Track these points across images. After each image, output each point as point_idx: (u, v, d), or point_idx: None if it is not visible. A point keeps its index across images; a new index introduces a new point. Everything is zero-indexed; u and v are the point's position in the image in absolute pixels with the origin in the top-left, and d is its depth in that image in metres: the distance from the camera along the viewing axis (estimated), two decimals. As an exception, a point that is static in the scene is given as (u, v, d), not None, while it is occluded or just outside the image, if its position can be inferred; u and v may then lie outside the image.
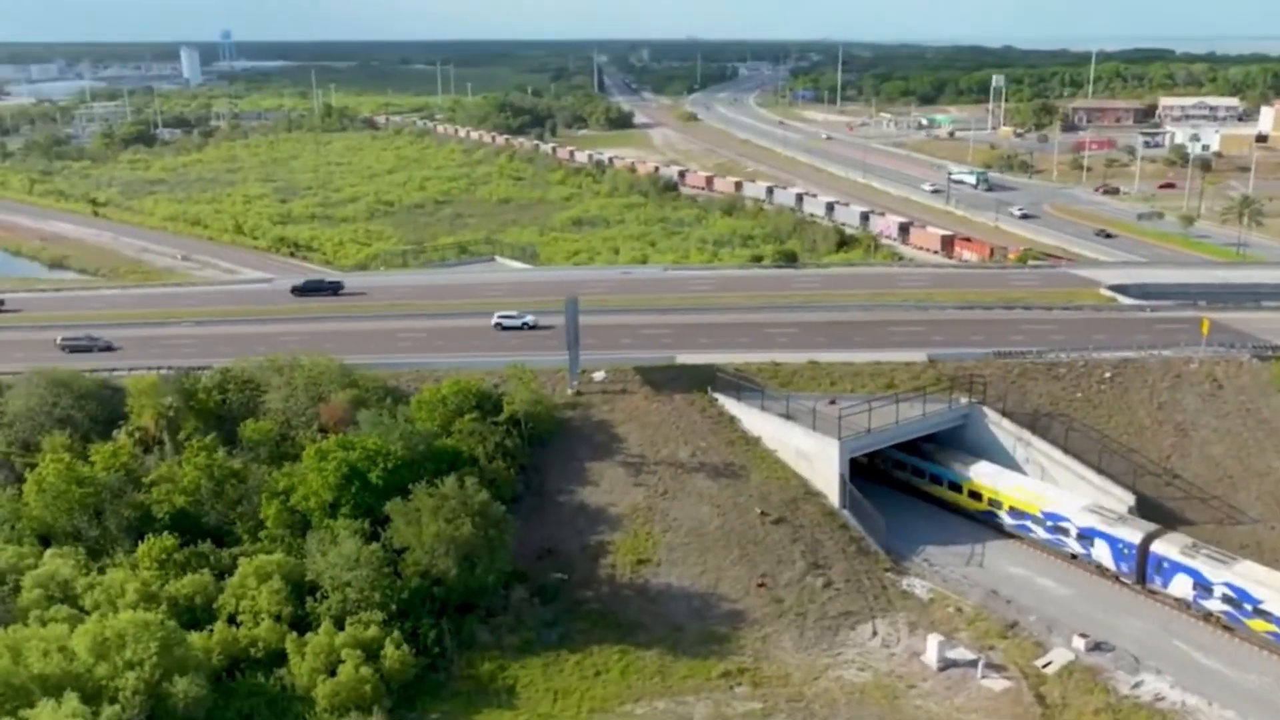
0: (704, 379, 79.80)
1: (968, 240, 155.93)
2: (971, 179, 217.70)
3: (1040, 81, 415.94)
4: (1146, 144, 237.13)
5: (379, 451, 66.58)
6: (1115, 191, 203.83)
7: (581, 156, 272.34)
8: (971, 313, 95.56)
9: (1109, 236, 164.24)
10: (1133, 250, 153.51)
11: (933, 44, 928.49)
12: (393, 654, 56.58)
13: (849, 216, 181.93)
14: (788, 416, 74.27)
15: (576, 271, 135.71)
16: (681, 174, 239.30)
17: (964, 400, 77.29)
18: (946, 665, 58.62)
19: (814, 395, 77.34)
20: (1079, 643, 59.04)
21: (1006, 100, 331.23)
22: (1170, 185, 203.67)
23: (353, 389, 76.71)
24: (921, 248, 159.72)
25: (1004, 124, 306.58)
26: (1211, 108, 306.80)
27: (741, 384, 78.51)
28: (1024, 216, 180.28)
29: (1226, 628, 60.21)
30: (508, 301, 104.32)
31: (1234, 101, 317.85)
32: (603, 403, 79.04)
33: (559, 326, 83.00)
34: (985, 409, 76.75)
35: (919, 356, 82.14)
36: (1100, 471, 71.63)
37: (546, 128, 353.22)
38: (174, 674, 51.98)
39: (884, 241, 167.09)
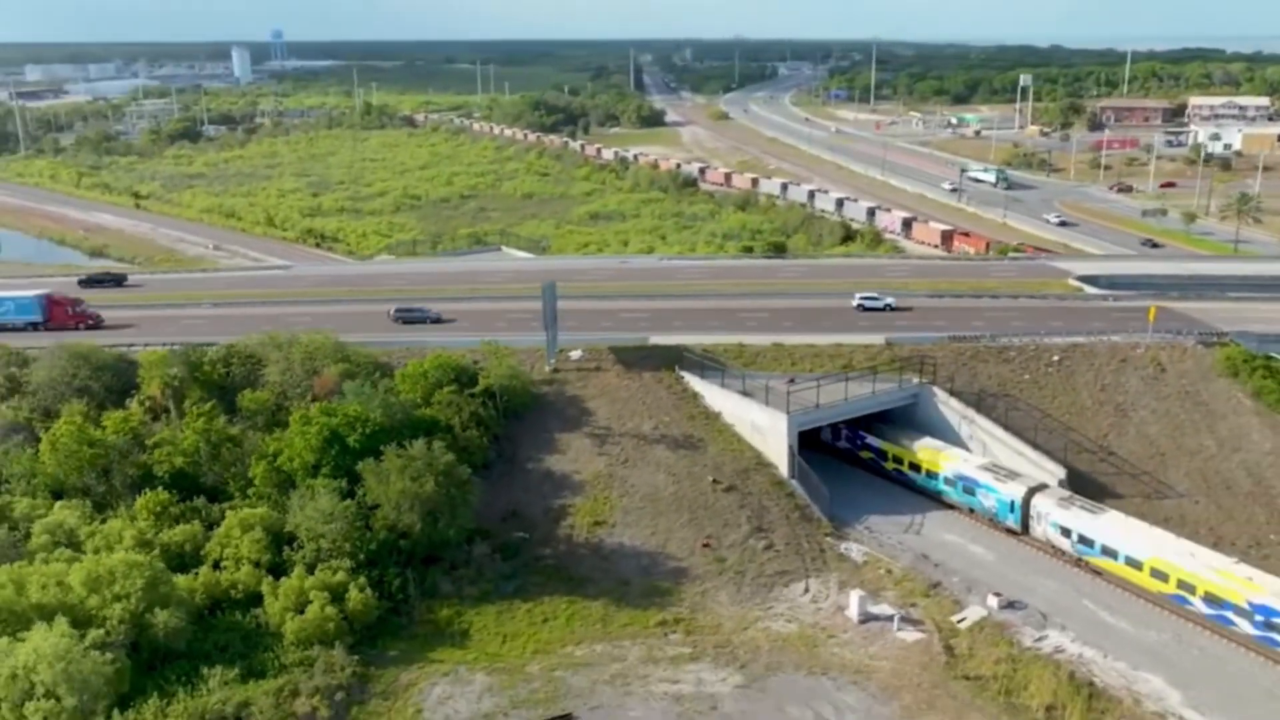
0: (673, 358, 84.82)
1: (966, 235, 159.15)
2: (990, 177, 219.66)
3: (1075, 81, 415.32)
4: (1169, 143, 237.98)
5: (358, 418, 72.24)
6: (1129, 189, 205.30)
7: (608, 154, 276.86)
8: (940, 300, 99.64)
9: (1155, 246, 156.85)
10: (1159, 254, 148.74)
11: (979, 44, 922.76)
12: (356, 596, 62.18)
13: (856, 212, 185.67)
14: (745, 393, 79.05)
15: (576, 261, 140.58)
16: (702, 170, 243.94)
17: (915, 380, 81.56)
18: (867, 619, 63.14)
19: (773, 374, 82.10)
20: (993, 601, 63.38)
21: (1040, 99, 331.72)
22: (1171, 184, 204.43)
23: (344, 363, 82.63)
24: (923, 242, 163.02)
25: (1031, 123, 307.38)
26: (1241, 107, 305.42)
27: (706, 363, 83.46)
28: (1062, 224, 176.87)
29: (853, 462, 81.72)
30: (508, 288, 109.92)
31: (1264, 101, 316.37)
32: (577, 379, 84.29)
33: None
34: (935, 388, 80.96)
35: (878, 339, 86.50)
36: (1036, 447, 75.59)
37: (579, 126, 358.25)
38: (157, 607, 58.02)
39: (888, 236, 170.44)
